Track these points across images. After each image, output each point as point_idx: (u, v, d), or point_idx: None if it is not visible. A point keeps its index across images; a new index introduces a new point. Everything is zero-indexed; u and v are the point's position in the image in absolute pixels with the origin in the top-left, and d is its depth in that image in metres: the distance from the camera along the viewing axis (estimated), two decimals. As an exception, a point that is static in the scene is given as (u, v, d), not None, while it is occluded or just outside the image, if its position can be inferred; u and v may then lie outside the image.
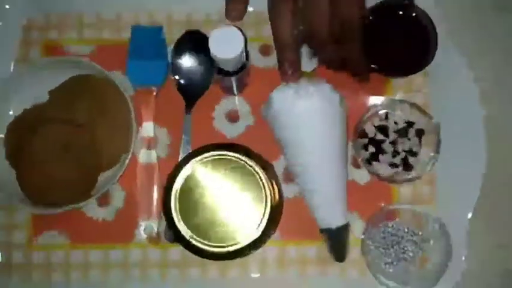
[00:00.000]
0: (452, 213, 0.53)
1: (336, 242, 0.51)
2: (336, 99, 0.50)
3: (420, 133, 0.54)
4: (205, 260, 0.53)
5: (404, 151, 0.53)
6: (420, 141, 0.54)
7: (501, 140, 0.55)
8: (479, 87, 0.55)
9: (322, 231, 0.51)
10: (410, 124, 0.54)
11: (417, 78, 0.56)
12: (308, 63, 0.52)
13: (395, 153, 0.53)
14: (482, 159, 0.54)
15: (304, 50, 0.51)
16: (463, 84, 0.55)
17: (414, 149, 0.53)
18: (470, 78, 0.55)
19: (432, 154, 0.52)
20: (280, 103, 0.49)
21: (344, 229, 0.51)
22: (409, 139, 0.54)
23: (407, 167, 0.53)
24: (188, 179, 0.46)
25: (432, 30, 0.51)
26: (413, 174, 0.53)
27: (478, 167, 0.54)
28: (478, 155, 0.54)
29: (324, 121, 0.49)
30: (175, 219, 0.45)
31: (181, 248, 0.52)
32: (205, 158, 0.47)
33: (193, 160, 0.47)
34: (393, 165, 0.53)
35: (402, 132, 0.54)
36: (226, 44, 0.45)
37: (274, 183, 0.46)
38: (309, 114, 0.49)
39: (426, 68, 0.56)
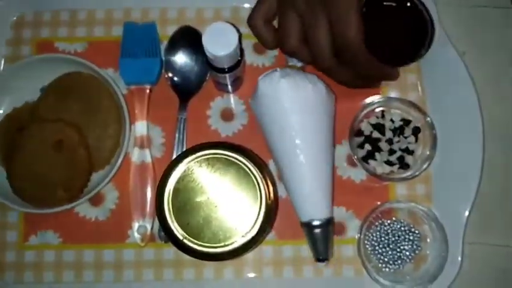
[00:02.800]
0: (448, 211, 0.53)
1: (318, 237, 0.48)
2: (323, 89, 0.50)
3: (416, 131, 0.53)
4: (200, 260, 0.52)
5: (401, 149, 0.53)
6: (416, 139, 0.53)
7: (498, 138, 0.55)
8: (475, 83, 0.55)
9: (302, 225, 0.49)
10: (406, 122, 0.53)
11: (411, 75, 0.56)
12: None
13: (392, 151, 0.53)
14: (479, 157, 0.53)
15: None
16: (458, 81, 0.55)
17: (410, 147, 0.53)
18: (466, 75, 0.55)
19: (428, 152, 0.52)
20: (266, 86, 0.49)
21: (328, 224, 0.48)
22: (406, 137, 0.53)
23: (404, 165, 0.53)
24: (182, 178, 0.45)
25: (429, 19, 0.49)
26: (409, 172, 0.52)
27: (475, 165, 0.53)
28: (475, 153, 0.54)
29: (306, 105, 0.49)
30: (168, 219, 0.44)
31: (176, 248, 0.52)
32: (199, 156, 0.46)
33: (187, 159, 0.46)
34: (389, 163, 0.53)
35: (399, 131, 0.53)
36: (220, 40, 0.45)
37: (269, 182, 0.46)
38: (292, 98, 0.48)
39: (421, 65, 0.55)
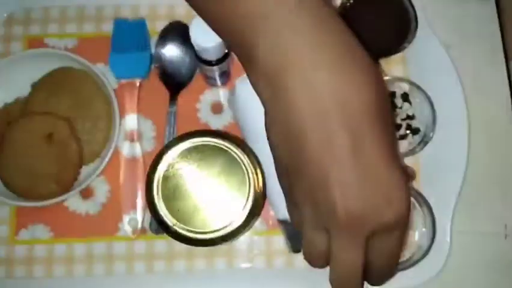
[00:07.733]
0: (436, 200, 0.53)
1: (293, 233, 0.49)
2: None
3: (406, 96, 0.54)
4: (192, 251, 0.52)
5: (403, 119, 0.54)
6: (410, 104, 0.54)
7: (483, 128, 0.56)
8: (460, 75, 0.56)
9: (279, 221, 0.51)
10: (392, 94, 0.54)
11: (396, 67, 0.57)
12: None
13: (398, 126, 0.54)
14: (464, 147, 0.54)
15: None
16: (443, 73, 0.56)
17: (410, 113, 0.54)
18: (451, 67, 0.56)
19: (429, 112, 0.52)
20: (244, 92, 0.49)
21: None
22: (400, 107, 0.54)
23: (414, 131, 0.53)
24: (172, 166, 0.46)
25: (412, 11, 0.52)
26: (423, 135, 0.53)
27: (461, 155, 0.54)
28: (461, 143, 0.54)
29: None
30: (158, 206, 0.45)
31: (167, 240, 0.52)
32: (188, 144, 0.46)
33: (177, 146, 0.46)
34: (402, 137, 0.53)
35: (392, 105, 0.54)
36: (207, 32, 0.45)
37: (257, 168, 0.46)
38: None
39: (406, 57, 0.56)
